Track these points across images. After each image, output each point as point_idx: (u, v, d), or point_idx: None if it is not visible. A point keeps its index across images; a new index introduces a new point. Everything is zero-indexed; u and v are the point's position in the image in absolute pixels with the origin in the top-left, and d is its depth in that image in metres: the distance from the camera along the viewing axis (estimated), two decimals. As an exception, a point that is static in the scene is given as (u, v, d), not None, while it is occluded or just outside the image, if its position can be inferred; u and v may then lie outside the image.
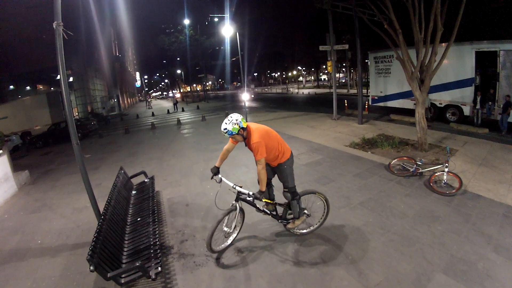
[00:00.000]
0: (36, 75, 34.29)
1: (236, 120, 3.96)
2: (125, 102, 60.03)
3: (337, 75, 59.78)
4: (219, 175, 4.46)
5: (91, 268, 3.04)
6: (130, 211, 5.43)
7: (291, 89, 50.38)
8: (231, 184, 4.33)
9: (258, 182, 4.32)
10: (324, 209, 4.87)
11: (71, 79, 32.89)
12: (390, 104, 15.77)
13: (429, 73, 8.56)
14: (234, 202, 4.37)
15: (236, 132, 3.97)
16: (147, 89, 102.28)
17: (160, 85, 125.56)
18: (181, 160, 10.20)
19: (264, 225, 5.23)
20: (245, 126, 4.05)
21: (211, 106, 34.83)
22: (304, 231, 4.87)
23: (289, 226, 4.67)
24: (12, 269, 4.99)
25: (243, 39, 16.08)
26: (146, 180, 6.71)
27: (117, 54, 57.05)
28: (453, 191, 5.95)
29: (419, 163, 6.91)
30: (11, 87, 34.49)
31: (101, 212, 4.40)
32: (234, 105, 29.62)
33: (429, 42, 8.59)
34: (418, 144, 8.91)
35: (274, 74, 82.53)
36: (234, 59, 58.33)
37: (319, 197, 4.76)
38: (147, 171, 7.50)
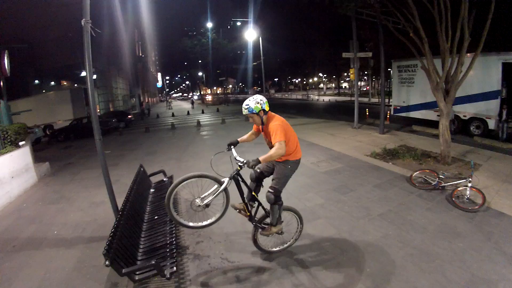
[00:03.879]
0: (60, 72, 35.26)
1: (261, 100, 3.82)
2: (147, 101, 60.96)
3: (359, 83, 59.50)
4: (233, 148, 4.25)
5: (107, 263, 3.04)
6: (148, 209, 5.46)
7: (311, 95, 50.08)
8: (240, 159, 3.83)
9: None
10: (298, 226, 4.61)
11: (94, 76, 33.57)
12: (413, 115, 15.43)
13: (455, 84, 8.33)
14: (227, 178, 3.87)
15: (257, 111, 3.81)
16: (168, 89, 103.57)
17: (181, 87, 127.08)
18: (200, 161, 10.23)
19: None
20: (267, 110, 3.88)
21: (231, 110, 34.95)
22: (275, 249, 4.57)
23: (264, 232, 4.25)
24: (26, 257, 5.10)
25: (264, 44, 16.11)
26: (164, 179, 6.74)
27: (140, 55, 58.01)
28: (476, 207, 5.73)
29: (441, 176, 6.72)
30: (36, 81, 35.55)
31: (119, 208, 4.41)
32: None
33: (455, 52, 8.36)
34: (440, 157, 8.67)
35: (294, 80, 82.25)
36: (255, 63, 58.46)
37: (293, 214, 4.51)
38: (166, 171, 7.52)
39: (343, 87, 65.30)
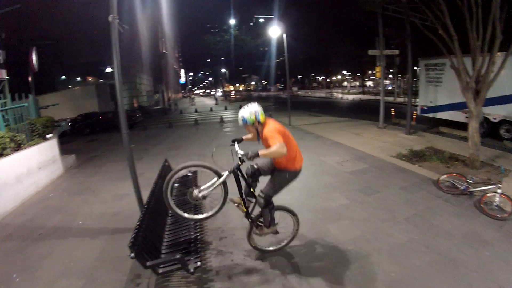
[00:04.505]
0: (86, 67, 36.43)
1: (255, 111, 3.73)
2: (170, 97, 61.80)
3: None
4: (237, 144, 4.13)
5: (132, 255, 3.06)
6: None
7: (335, 93, 49.32)
8: (240, 152, 3.73)
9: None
10: (294, 226, 4.51)
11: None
12: (440, 116, 14.91)
13: (486, 84, 7.96)
14: (226, 171, 3.78)
15: (252, 123, 3.74)
16: (191, 86, 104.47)
17: (204, 83, 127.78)
18: (222, 158, 10.03)
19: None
20: (262, 121, 3.77)
21: None
22: (270, 248, 4.52)
23: (258, 231, 4.20)
24: (51, 246, 5.27)
25: (288, 40, 16.01)
26: (189, 174, 6.76)
27: (163, 51, 58.78)
28: (505, 215, 5.48)
29: (469, 181, 6.45)
30: (63, 77, 36.75)
31: (145, 201, 4.45)
32: (278, 107, 29.48)
33: (486, 51, 8.00)
34: (469, 160, 8.33)
35: (318, 77, 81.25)
36: (278, 60, 58.09)
37: (289, 215, 4.42)
38: (190, 166, 7.56)
39: (367, 85, 63.82)
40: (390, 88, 44.37)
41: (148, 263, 3.22)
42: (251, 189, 4.11)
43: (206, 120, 23.07)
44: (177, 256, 3.32)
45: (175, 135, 15.87)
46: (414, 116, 15.86)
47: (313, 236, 4.94)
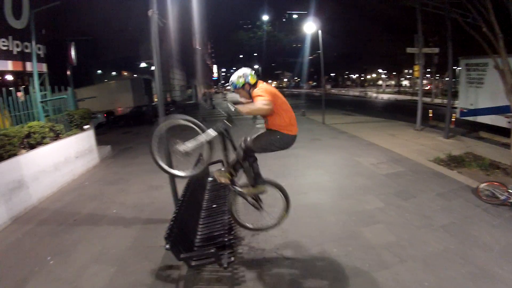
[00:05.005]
0: (121, 62, 37.62)
1: (244, 73, 3.60)
2: (203, 92, 62.53)
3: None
4: (230, 104, 3.61)
5: (167, 246, 3.07)
6: (206, 196, 5.51)
7: (369, 92, 48.11)
8: (231, 107, 3.44)
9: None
10: (283, 202, 4.13)
11: (153, 67, 35.16)
12: (480, 120, 14.10)
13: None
14: (212, 130, 3.61)
15: (241, 86, 3.62)
16: (223, 81, 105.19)
17: None
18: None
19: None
20: (253, 83, 3.60)
21: None
22: (250, 225, 4.28)
23: (243, 190, 3.92)
24: (86, 232, 5.43)
25: (322, 37, 15.67)
26: (222, 169, 6.75)
27: (196, 47, 59.58)
28: (548, 230, 5.09)
29: (511, 191, 6.03)
30: (99, 71, 38.12)
31: (180, 194, 4.45)
32: (310, 105, 29.13)
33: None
34: (510, 169, 7.85)
35: (351, 75, 79.48)
36: (311, 57, 57.28)
37: (274, 188, 4.04)
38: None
39: (403, 85, 61.44)
40: (427, 88, 42.54)
41: (182, 255, 3.22)
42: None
43: (238, 115, 22.84)
44: (212, 250, 3.30)
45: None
46: (453, 119, 15.15)
47: (347, 238, 4.79)
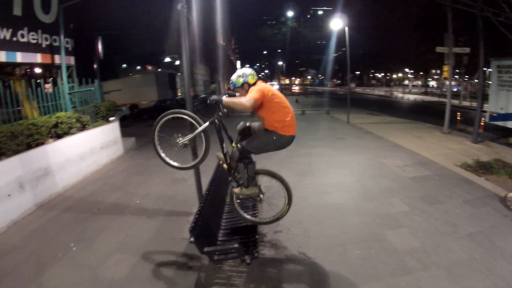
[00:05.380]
0: (146, 57, 38.31)
1: (243, 73, 3.64)
2: (225, 88, 62.85)
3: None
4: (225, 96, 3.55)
5: (191, 239, 3.06)
6: (229, 191, 5.47)
7: (395, 92, 47.05)
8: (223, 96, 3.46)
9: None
10: (285, 196, 4.02)
11: (177, 62, 35.56)
12: (511, 125, 13.65)
13: None
14: (207, 122, 3.69)
15: (240, 85, 3.64)
16: None
17: (260, 75, 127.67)
18: (280, 152, 10.07)
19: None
20: (251, 82, 3.61)
21: (310, 101, 34.26)
22: (248, 216, 4.22)
23: (235, 190, 3.90)
24: (109, 220, 5.53)
25: (348, 34, 15.34)
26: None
27: (221, 42, 59.81)
28: None
29: (541, 202, 5.77)
30: (124, 65, 38.91)
31: (206, 188, 4.45)
32: (334, 103, 28.80)
33: None
34: (542, 178, 7.49)
35: (377, 74, 77.78)
36: (336, 54, 56.49)
37: (275, 180, 3.99)
38: (246, 157, 7.58)
39: (430, 85, 59.37)
40: (455, 90, 41.12)
41: (205, 249, 3.22)
42: (233, 144, 3.93)
43: (237, 112, 22.73)
44: (236, 246, 3.28)
45: (232, 126, 15.86)
46: (482, 123, 14.61)
47: (370, 241, 4.69)
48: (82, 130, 8.42)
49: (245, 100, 3.24)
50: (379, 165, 8.40)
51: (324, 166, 8.23)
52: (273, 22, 60.17)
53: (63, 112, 8.22)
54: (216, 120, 3.69)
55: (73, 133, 7.96)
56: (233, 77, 3.70)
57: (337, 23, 17.34)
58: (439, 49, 13.13)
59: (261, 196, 3.99)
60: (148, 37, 33.59)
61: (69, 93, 8.89)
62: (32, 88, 7.38)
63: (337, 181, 7.16)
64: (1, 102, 6.48)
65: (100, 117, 9.72)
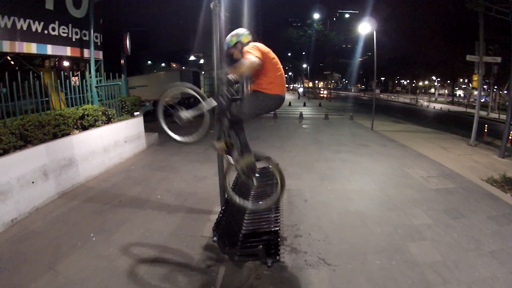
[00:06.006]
0: (171, 55, 38.72)
1: (237, 33, 3.63)
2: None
3: (477, 93, 52.02)
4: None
5: (214, 238, 3.07)
6: (252, 193, 5.47)
7: (420, 100, 45.91)
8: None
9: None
10: (277, 180, 3.84)
11: (201, 61, 35.93)
12: (540, 140, 13.04)
13: None
14: (212, 100, 3.63)
15: (233, 44, 3.62)
16: None
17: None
18: (302, 154, 10.10)
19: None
20: (245, 42, 3.58)
21: (333, 106, 33.94)
22: (259, 204, 4.03)
23: (233, 161, 3.84)
24: (130, 214, 5.59)
25: (373, 39, 14.88)
26: (270, 166, 6.71)
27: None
28: None
29: None
30: (149, 62, 39.53)
31: (230, 187, 4.42)
32: (358, 109, 28.40)
33: None
34: None
35: (402, 81, 76.05)
36: (361, 59, 55.53)
37: (269, 164, 3.87)
38: (268, 158, 7.54)
39: (457, 95, 57.45)
40: (483, 100, 39.69)
41: (228, 249, 3.20)
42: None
43: (284, 114, 22.75)
44: (259, 247, 3.25)
45: (254, 126, 15.91)
46: (511, 137, 14.09)
47: (391, 251, 4.58)
48: (108, 123, 8.59)
49: (250, 60, 3.17)
50: (403, 174, 8.21)
51: (347, 172, 8.13)
52: (299, 24, 59.65)
53: (89, 104, 8.41)
54: (219, 97, 3.67)
55: (98, 126, 8.12)
56: (227, 38, 3.69)
57: (365, 27, 17.06)
58: (469, 57, 12.71)
59: (254, 180, 3.91)
60: (174, 35, 34.07)
61: (97, 87, 9.10)
62: (61, 80, 7.57)
63: (359, 188, 7.05)
64: (30, 92, 6.65)
65: (125, 112, 9.92)
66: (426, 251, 4.67)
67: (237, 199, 4.03)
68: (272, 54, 3.55)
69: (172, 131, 3.92)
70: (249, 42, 3.60)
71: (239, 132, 3.71)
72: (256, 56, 3.22)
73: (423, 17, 38.56)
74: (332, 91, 68.50)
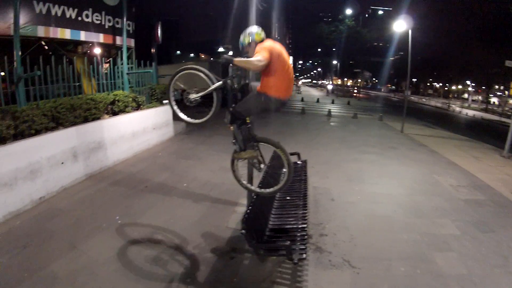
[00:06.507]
0: (199, 46, 39.05)
1: (249, 32, 3.62)
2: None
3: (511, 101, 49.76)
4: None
5: (243, 231, 3.06)
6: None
7: (452, 105, 44.27)
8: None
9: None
10: (286, 166, 3.78)
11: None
12: None
13: None
14: (220, 81, 3.60)
15: (247, 43, 3.62)
16: (297, 74, 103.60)
17: (311, 73, 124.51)
18: (329, 152, 10.00)
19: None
20: (258, 40, 3.57)
21: (362, 105, 33.21)
22: (266, 190, 4.05)
23: (234, 154, 3.96)
24: (156, 199, 5.68)
25: (406, 38, 14.30)
26: (298, 162, 6.64)
27: (275, 36, 59.53)
28: None
29: None
30: (178, 52, 40.01)
31: (258, 181, 4.46)
32: (388, 110, 27.68)
33: None
34: None
35: (435, 83, 73.43)
36: (393, 58, 53.83)
37: (277, 150, 3.84)
38: (295, 154, 7.49)
39: (491, 102, 54.76)
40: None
41: (254, 242, 3.18)
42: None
43: (312, 110, 22.46)
44: (286, 243, 3.23)
45: (281, 121, 15.73)
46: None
47: (416, 260, 4.45)
48: (137, 109, 8.73)
49: (256, 60, 3.24)
50: (432, 181, 7.96)
51: (375, 174, 7.97)
52: (329, 20, 58.50)
53: (120, 90, 8.60)
54: (228, 81, 3.65)
55: (128, 112, 8.27)
56: (241, 37, 3.69)
57: (401, 25, 16.37)
58: (509, 63, 12.19)
59: (262, 166, 4.01)
60: (203, 26, 34.39)
61: (128, 73, 9.27)
62: (94, 66, 7.77)
63: (387, 192, 6.90)
64: (63, 77, 6.86)
65: (155, 99, 10.09)
66: (452, 263, 4.52)
67: (250, 186, 4.20)
68: (284, 57, 3.54)
69: (184, 113, 4.01)
70: (262, 40, 3.62)
71: (241, 126, 3.76)
72: (265, 57, 3.27)
73: (460, 18, 36.97)
74: (362, 90, 67.09)
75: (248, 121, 3.81)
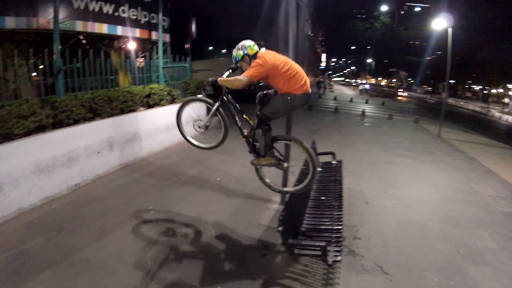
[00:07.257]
0: (232, 41, 38.99)
1: (242, 45, 3.59)
2: (319, 79, 61.45)
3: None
4: (227, 72, 3.90)
5: (280, 228, 3.06)
6: (314, 187, 5.41)
7: (492, 110, 42.13)
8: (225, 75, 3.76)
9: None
10: (309, 166, 3.78)
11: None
12: None
13: None
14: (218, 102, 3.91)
15: (240, 58, 3.61)
16: (330, 72, 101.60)
17: (344, 71, 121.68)
18: (363, 153, 9.85)
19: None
20: (251, 54, 3.55)
21: (397, 106, 31.99)
22: (286, 189, 4.30)
23: (253, 161, 4.08)
24: (188, 192, 5.80)
25: (445, 37, 13.58)
26: (333, 162, 6.57)
27: (309, 33, 58.74)
28: None
29: None
30: (210, 48, 40.46)
31: (294, 180, 4.43)
32: (423, 112, 26.55)
33: None
34: None
35: (474, 86, 69.65)
36: (429, 58, 51.45)
37: (299, 148, 3.79)
38: (329, 154, 7.46)
39: None
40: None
41: (290, 241, 3.18)
42: (244, 115, 4.00)
43: (346, 110, 22.17)
44: (322, 244, 3.22)
45: (314, 119, 15.71)
46: None
47: (450, 271, 4.29)
48: (172, 103, 8.92)
49: (237, 80, 3.39)
50: (469, 189, 7.63)
51: (410, 178, 7.76)
52: (364, 16, 56.94)
53: (156, 84, 8.80)
54: (223, 97, 3.88)
55: (163, 105, 8.49)
56: (234, 52, 3.72)
57: (440, 23, 15.57)
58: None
59: (285, 164, 4.02)
60: (236, 22, 34.51)
61: (163, 68, 9.47)
62: (130, 60, 8.03)
63: (422, 198, 6.69)
64: (101, 70, 7.11)
65: (189, 93, 10.21)
66: (487, 278, 4.32)
67: (274, 185, 4.28)
68: (284, 66, 3.53)
69: (195, 139, 4.50)
70: (256, 53, 3.60)
71: (266, 132, 3.81)
72: (251, 75, 3.36)
73: (503, 16, 34.97)
74: (396, 90, 64.79)
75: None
